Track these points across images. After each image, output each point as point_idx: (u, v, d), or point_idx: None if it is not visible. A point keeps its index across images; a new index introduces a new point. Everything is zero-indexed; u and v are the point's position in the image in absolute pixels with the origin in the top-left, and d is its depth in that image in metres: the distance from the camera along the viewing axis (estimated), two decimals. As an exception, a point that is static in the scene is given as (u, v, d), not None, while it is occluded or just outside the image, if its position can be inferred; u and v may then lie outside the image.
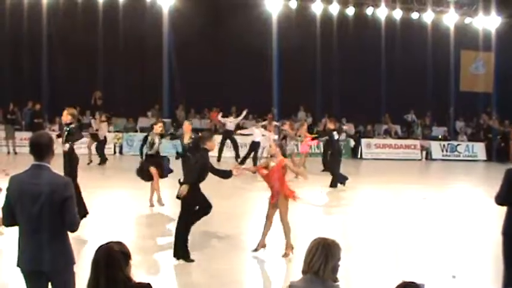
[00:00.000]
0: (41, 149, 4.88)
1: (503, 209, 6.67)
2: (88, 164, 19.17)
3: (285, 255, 8.84)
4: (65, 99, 24.17)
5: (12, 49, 24.98)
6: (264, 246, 9.08)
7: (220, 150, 21.77)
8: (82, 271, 4.73)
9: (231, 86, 25.32)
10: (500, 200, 6.64)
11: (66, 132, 10.48)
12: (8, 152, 22.23)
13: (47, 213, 4.70)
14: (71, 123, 10.58)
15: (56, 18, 25.11)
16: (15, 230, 4.92)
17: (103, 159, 19.90)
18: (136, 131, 24.70)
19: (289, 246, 8.87)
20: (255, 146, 20.14)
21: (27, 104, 24.24)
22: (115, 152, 20.81)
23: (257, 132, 20.18)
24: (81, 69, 24.70)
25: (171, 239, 8.84)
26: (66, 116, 10.62)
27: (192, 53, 25.30)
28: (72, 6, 25.30)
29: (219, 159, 21.24)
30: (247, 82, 25.35)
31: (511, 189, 6.50)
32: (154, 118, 24.79)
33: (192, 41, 25.23)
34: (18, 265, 4.91)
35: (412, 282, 3.75)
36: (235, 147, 22.40)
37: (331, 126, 17.52)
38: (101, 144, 20.24)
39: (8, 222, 4.94)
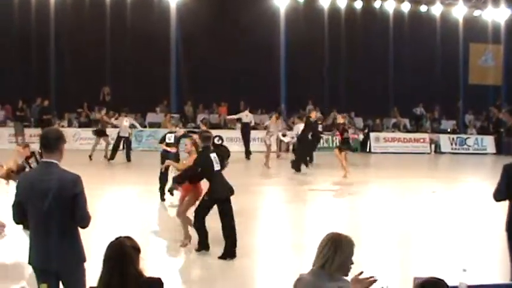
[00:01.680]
0: (50, 146, 4.86)
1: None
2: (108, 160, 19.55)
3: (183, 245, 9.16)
4: (73, 95, 24.42)
5: (21, 46, 25.13)
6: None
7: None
8: (91, 267, 4.77)
9: (239, 81, 25.34)
10: (500, 196, 6.51)
11: None
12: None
13: (57, 210, 4.69)
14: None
15: (63, 14, 25.28)
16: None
17: (113, 155, 19.82)
18: (145, 127, 24.75)
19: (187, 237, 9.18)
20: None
21: (35, 101, 24.36)
22: (124, 148, 20.84)
23: None
24: (89, 65, 24.80)
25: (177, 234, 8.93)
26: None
27: (200, 48, 25.36)
28: (80, 2, 25.43)
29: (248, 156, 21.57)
30: (255, 76, 25.35)
31: (510, 184, 6.39)
32: (162, 114, 24.96)
33: (199, 35, 25.27)
34: (29, 262, 4.92)
35: (440, 280, 3.74)
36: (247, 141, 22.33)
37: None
38: (122, 139, 20.07)
39: (18, 219, 4.95)
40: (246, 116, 22.15)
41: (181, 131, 13.89)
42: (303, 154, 18.32)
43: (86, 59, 24.77)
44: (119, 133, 20.14)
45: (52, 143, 4.85)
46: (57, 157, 4.86)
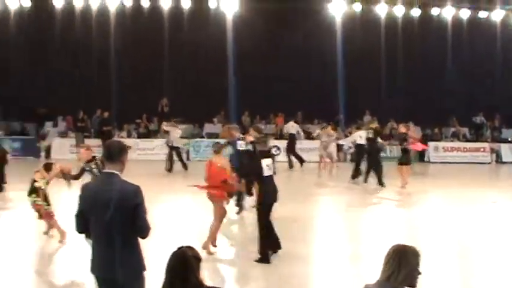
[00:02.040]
0: (112, 157, 4.97)
1: None
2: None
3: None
4: (133, 106, 25.02)
5: (82, 58, 26.00)
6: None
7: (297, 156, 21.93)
8: (150, 276, 4.93)
9: (296, 91, 25.38)
10: None
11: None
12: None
13: (118, 220, 4.75)
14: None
15: (123, 28, 26.00)
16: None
17: (169, 166, 20.21)
18: (202, 137, 25.11)
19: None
20: None
21: (96, 112, 25.08)
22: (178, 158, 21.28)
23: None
24: (148, 77, 25.42)
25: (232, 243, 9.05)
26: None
27: (257, 58, 25.56)
28: (139, 15, 26.07)
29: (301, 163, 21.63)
30: (312, 86, 25.38)
31: None
32: (220, 124, 25.28)
33: (256, 46, 25.47)
34: (91, 271, 5.00)
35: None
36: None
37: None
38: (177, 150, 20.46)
39: (81, 229, 5.04)
40: (292, 127, 22.29)
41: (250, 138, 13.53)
42: (372, 165, 17.73)
43: (144, 72, 25.43)
44: (169, 143, 20.53)
45: (115, 155, 4.96)
46: (119, 168, 4.95)
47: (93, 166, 9.92)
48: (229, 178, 9.49)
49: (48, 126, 26.11)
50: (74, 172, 9.93)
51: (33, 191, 10.32)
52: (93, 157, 10.05)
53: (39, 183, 10.29)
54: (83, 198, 5.00)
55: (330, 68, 26.04)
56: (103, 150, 5.13)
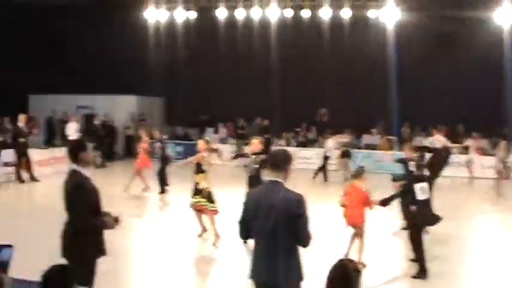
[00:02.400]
0: (277, 165, 5.19)
1: None
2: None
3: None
4: (292, 115, 26.31)
5: (244, 66, 27.76)
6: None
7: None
8: (307, 285, 5.29)
9: (459, 101, 25.01)
10: None
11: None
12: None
13: (281, 229, 4.93)
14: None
15: (283, 37, 27.27)
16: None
17: (324, 176, 21.39)
18: (359, 148, 25.75)
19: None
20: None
21: (255, 120, 26.69)
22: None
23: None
24: (308, 86, 26.50)
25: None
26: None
27: (419, 68, 25.62)
28: (299, 25, 27.17)
29: None
30: (475, 97, 24.92)
31: None
32: (379, 135, 25.85)
33: (416, 56, 25.60)
34: (250, 277, 5.23)
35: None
36: None
37: None
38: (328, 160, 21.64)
39: (243, 235, 5.38)
40: (438, 141, 21.72)
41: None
42: None
43: (304, 81, 26.51)
44: (325, 153, 21.68)
45: (280, 163, 5.19)
46: (283, 176, 5.17)
47: (252, 157, 11.22)
48: (369, 203, 9.73)
49: (209, 132, 28.31)
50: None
51: (198, 193, 11.28)
52: (259, 152, 11.34)
53: (203, 185, 11.22)
54: (246, 206, 5.28)
55: (496, 77, 25.17)
56: (268, 159, 5.43)
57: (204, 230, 11.56)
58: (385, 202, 9.77)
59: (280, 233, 4.95)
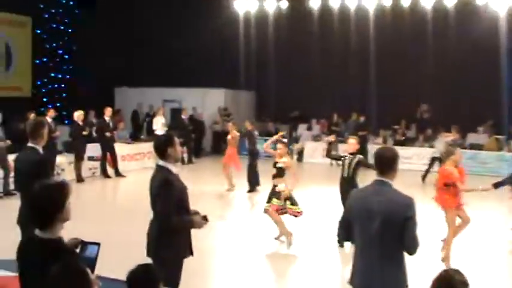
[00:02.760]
0: (383, 164, 5.13)
1: None
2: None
3: None
4: (391, 111, 25.93)
5: (338, 61, 27.57)
6: None
7: None
8: None
9: None
10: None
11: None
12: (331, 164, 24.35)
13: (386, 233, 4.89)
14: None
15: (382, 27, 26.89)
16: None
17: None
18: (465, 148, 24.90)
19: None
20: None
21: (351, 116, 26.49)
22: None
23: None
24: (408, 80, 26.01)
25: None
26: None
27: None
28: (399, 15, 26.70)
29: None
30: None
31: None
32: (486, 134, 25.03)
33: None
34: (350, 282, 5.26)
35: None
36: None
37: None
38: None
39: (343, 237, 5.35)
40: None
41: None
42: None
43: (405, 74, 25.99)
44: (434, 154, 21.07)
45: (387, 162, 5.14)
46: (391, 177, 5.10)
47: (348, 158, 11.18)
48: (456, 181, 9.66)
49: (301, 128, 28.34)
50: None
51: (273, 195, 11.51)
52: (354, 152, 11.28)
53: (280, 188, 11.44)
54: (350, 206, 5.33)
55: None
56: (374, 157, 5.26)
57: (288, 234, 11.53)
58: (497, 185, 9.83)
59: (385, 237, 4.92)
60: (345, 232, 5.34)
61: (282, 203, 11.36)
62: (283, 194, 11.38)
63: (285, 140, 13.19)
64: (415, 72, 26.08)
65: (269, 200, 11.61)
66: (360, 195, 5.35)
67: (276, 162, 11.75)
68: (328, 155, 12.45)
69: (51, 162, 17.60)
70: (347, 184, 10.67)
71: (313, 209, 13.82)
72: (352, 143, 11.33)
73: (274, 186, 11.62)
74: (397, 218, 4.86)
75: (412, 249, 4.94)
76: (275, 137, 13.53)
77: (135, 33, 29.03)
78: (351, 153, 11.23)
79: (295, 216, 11.39)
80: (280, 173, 11.64)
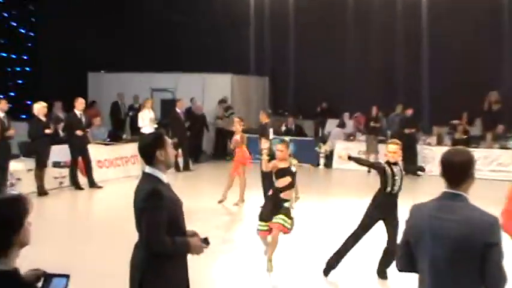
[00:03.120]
0: (453, 172, 4.97)
1: None
2: None
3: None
4: (448, 103, 25.83)
5: (382, 36, 27.81)
6: None
7: None
8: None
9: None
10: None
11: None
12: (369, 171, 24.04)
13: (459, 265, 4.76)
14: None
15: (437, 11, 27.19)
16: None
17: None
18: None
19: None
20: None
21: (395, 109, 26.40)
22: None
23: None
24: (472, 63, 26.01)
25: None
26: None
27: None
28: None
29: None
30: None
31: None
32: None
33: None
34: None
35: None
36: None
37: None
38: None
39: (404, 266, 5.20)
40: None
41: None
42: None
43: (468, 59, 26.07)
44: None
45: (459, 169, 4.97)
46: (465, 188, 4.96)
47: (394, 168, 11.05)
48: None
49: (331, 125, 28.23)
50: None
51: (281, 211, 11.53)
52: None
53: (288, 203, 11.57)
54: (410, 225, 5.16)
55: None
56: (441, 163, 5.09)
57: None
58: None
59: (458, 269, 4.77)
60: (406, 259, 5.02)
61: (290, 226, 11.50)
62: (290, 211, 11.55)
63: (286, 139, 13.21)
64: (482, 53, 25.98)
65: (274, 218, 11.54)
66: (423, 211, 5.11)
67: (281, 170, 11.73)
68: (360, 161, 12.32)
69: (2, 169, 17.70)
70: (394, 202, 10.77)
71: (344, 230, 13.77)
72: (394, 150, 11.08)
73: (281, 200, 11.61)
74: (475, 244, 4.68)
75: (495, 286, 4.73)
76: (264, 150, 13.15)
77: (116, 2, 29.05)
78: (394, 163, 11.07)
79: (282, 231, 11.50)
80: (291, 182, 11.66)
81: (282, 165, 11.75)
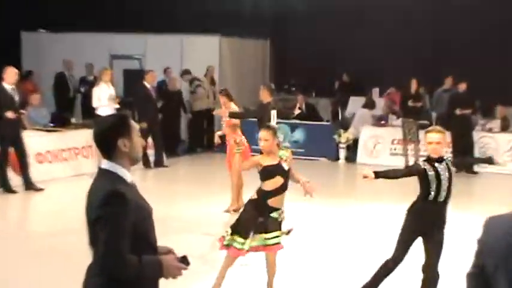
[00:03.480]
0: None
1: None
2: None
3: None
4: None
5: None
6: None
7: None
8: None
9: None
10: None
11: None
12: (406, 166, 23.78)
13: None
14: None
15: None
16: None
17: None
18: None
19: None
20: None
21: (443, 83, 26.47)
22: None
23: None
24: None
25: None
26: None
27: None
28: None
29: None
30: None
31: None
32: None
33: None
34: None
35: None
36: None
37: None
38: None
39: None
40: None
41: None
42: None
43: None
44: None
45: None
46: None
47: (439, 167, 10.98)
48: None
49: (354, 104, 28.43)
50: None
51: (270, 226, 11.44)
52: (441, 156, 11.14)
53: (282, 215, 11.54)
54: (486, 245, 5.08)
55: None
56: None
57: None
58: None
59: None
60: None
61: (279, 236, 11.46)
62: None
63: (273, 124, 13.23)
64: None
65: (261, 238, 11.47)
66: (503, 226, 5.01)
67: (267, 168, 11.41)
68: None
69: None
70: (441, 213, 10.73)
71: (371, 248, 13.90)
72: (437, 140, 10.91)
73: (269, 209, 11.45)
74: None
75: None
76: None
77: None
78: (439, 159, 10.95)
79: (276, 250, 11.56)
80: (283, 184, 11.42)
81: (269, 161, 11.35)
